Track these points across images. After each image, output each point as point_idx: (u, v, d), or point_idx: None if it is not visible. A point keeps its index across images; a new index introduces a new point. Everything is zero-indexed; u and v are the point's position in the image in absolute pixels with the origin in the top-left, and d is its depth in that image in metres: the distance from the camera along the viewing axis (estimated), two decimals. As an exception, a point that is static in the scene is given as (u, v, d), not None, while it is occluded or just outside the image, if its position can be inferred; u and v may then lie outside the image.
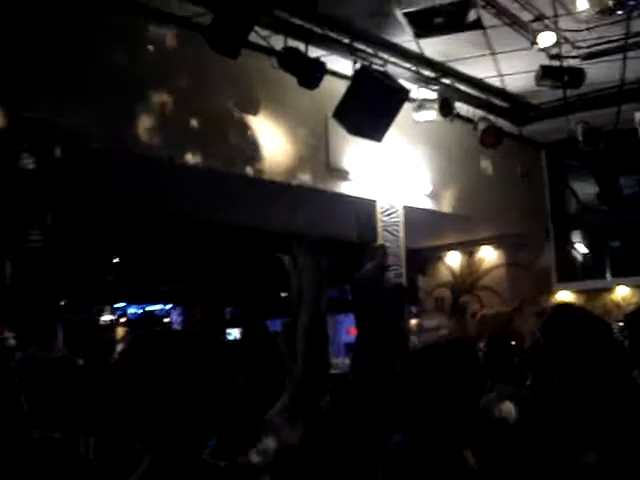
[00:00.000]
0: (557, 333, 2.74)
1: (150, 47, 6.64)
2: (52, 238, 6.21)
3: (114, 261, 13.43)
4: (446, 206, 9.82)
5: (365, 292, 7.45)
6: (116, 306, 15.46)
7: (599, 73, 8.21)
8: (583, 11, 6.45)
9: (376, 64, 7.54)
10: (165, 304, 16.95)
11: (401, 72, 8.01)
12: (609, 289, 11.33)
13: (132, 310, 16.71)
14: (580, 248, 12.39)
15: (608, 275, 11.55)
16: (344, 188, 8.39)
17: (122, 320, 15.90)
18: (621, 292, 11.23)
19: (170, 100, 6.76)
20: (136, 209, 9.43)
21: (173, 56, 6.82)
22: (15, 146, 5.69)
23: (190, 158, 6.97)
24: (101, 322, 14.41)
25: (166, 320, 16.91)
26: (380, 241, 8.66)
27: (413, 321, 11.28)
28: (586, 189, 11.51)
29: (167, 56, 6.78)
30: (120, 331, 14.67)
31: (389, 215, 8.85)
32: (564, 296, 11.45)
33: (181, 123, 6.87)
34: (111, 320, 15.02)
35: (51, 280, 6.25)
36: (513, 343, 4.87)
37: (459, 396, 2.39)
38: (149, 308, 17.02)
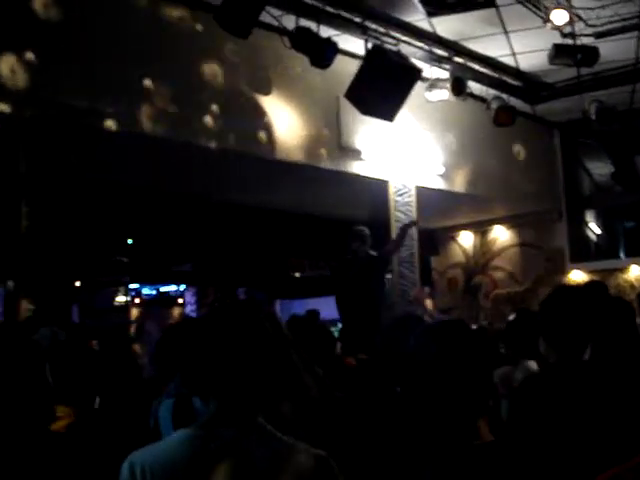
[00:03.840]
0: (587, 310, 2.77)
1: (162, 28, 6.64)
2: (65, 219, 6.26)
3: (128, 242, 13.49)
4: (459, 186, 9.79)
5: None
6: (131, 287, 15.56)
7: (613, 51, 8.15)
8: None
9: (388, 43, 7.51)
10: (179, 285, 17.03)
11: (413, 51, 7.96)
12: (623, 269, 11.29)
13: (146, 291, 16.79)
14: (594, 228, 12.36)
15: (622, 255, 11.52)
16: (356, 168, 8.38)
17: (136, 301, 16.00)
18: (635, 272, 11.20)
19: (183, 81, 6.76)
20: (150, 191, 9.48)
21: (185, 37, 6.83)
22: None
23: (203, 139, 6.98)
24: (115, 303, 14.51)
25: (180, 301, 17.01)
26: (393, 221, 8.67)
27: (427, 301, 11.29)
28: (601, 169, 11.46)
29: (179, 37, 6.78)
30: (134, 312, 14.78)
31: (402, 195, 8.84)
32: (577, 276, 11.43)
33: (194, 104, 6.88)
34: (125, 301, 15.13)
35: (65, 261, 6.30)
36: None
37: (471, 370, 2.42)
38: (163, 289, 17.11)
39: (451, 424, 2.39)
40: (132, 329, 9.59)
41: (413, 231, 8.72)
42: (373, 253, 7.37)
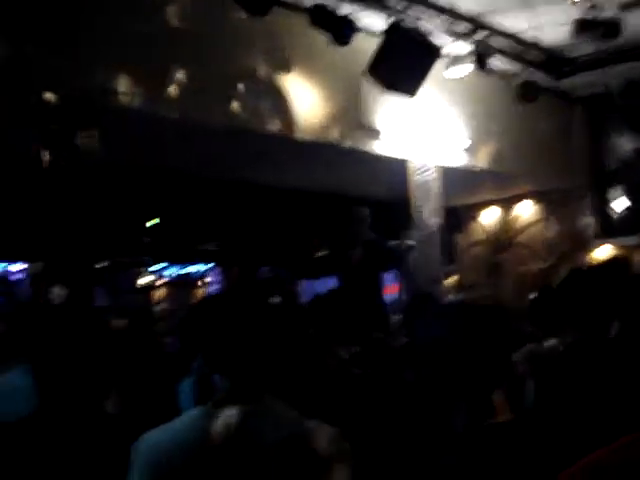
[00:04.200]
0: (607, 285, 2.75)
1: (178, 8, 6.63)
2: (90, 201, 6.30)
3: (152, 223, 13.55)
4: (482, 162, 9.71)
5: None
6: (154, 268, 15.64)
7: (638, 23, 8.01)
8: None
9: (408, 19, 7.44)
10: (204, 264, 17.10)
11: (434, 27, 7.89)
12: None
13: (169, 272, 16.88)
14: (619, 204, 12.21)
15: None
16: (377, 147, 8.34)
17: (160, 282, 16.08)
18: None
19: (202, 61, 6.75)
20: (172, 172, 9.50)
21: (203, 16, 6.81)
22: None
23: (223, 119, 6.98)
24: (138, 285, 14.60)
25: (205, 280, 17.08)
26: (413, 199, 8.61)
27: (451, 279, 11.26)
28: (625, 144, 11.32)
29: (197, 16, 6.77)
30: (158, 292, 14.86)
31: (423, 174, 8.79)
32: (603, 252, 11.33)
33: (213, 84, 6.87)
34: (149, 282, 15.21)
35: (87, 242, 6.34)
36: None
37: (480, 350, 2.43)
38: (186, 269, 17.18)
39: (462, 403, 2.39)
40: (157, 309, 9.66)
41: (435, 209, 8.68)
42: (374, 237, 7.25)
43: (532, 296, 5.01)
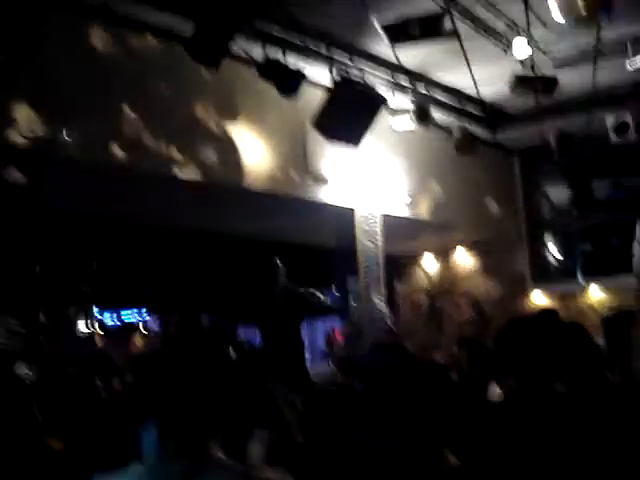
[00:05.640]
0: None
1: (131, 58, 6.67)
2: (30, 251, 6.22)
3: (92, 270, 13.39)
4: (424, 213, 9.93)
5: None
6: (93, 314, 15.41)
7: (572, 81, 8.38)
8: (557, 20, 6.56)
9: (354, 73, 7.62)
10: (140, 309, 16.94)
11: (378, 80, 8.10)
12: (582, 291, 11.52)
13: (109, 320, 16.68)
14: (553, 251, 12.56)
15: (580, 277, 11.71)
16: (323, 196, 8.46)
17: (100, 331, 15.84)
18: (594, 293, 11.43)
19: (150, 111, 6.78)
20: (113, 220, 9.44)
21: (154, 66, 6.86)
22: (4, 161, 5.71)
23: (169, 168, 7.00)
24: (79, 333, 14.35)
25: (144, 326, 16.87)
26: (359, 249, 8.70)
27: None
28: (560, 194, 11.70)
29: (148, 66, 6.81)
30: (99, 341, 14.61)
31: (368, 223, 8.92)
32: (538, 298, 11.63)
33: (161, 134, 6.89)
34: (89, 331, 14.96)
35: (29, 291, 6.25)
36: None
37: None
38: (124, 313, 17.01)
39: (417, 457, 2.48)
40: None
41: (379, 257, 8.81)
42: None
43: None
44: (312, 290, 7.46)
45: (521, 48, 7.32)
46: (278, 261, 7.17)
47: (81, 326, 14.46)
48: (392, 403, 2.94)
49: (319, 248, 8.54)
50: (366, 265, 8.78)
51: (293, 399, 3.65)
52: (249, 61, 7.04)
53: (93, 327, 15.10)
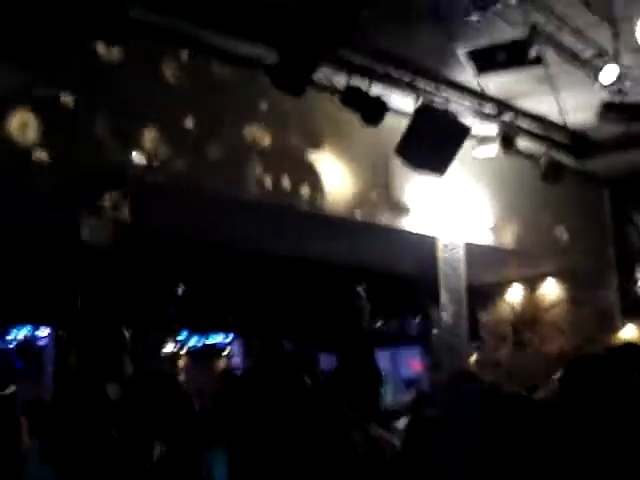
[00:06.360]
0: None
1: (216, 86, 6.84)
2: (117, 272, 6.40)
3: (177, 293, 13.66)
4: (508, 242, 9.78)
5: None
6: (179, 338, 15.71)
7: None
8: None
9: (437, 101, 7.62)
10: (226, 335, 17.14)
11: (462, 108, 8.08)
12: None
13: (193, 342, 16.94)
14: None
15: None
16: (405, 224, 8.45)
17: (183, 352, 16.13)
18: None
19: (237, 137, 6.94)
20: (200, 245, 9.63)
21: (240, 94, 7.02)
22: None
23: (253, 193, 7.13)
24: (162, 353, 14.65)
25: (226, 352, 17.09)
26: (440, 277, 8.65)
27: (473, 356, 11.19)
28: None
29: (230, 93, 6.98)
30: (181, 362, 14.89)
31: (450, 251, 8.85)
32: (629, 332, 11.26)
33: (246, 160, 7.04)
34: (173, 351, 15.26)
35: (115, 311, 6.42)
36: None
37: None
38: (210, 340, 17.22)
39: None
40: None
41: (461, 285, 8.71)
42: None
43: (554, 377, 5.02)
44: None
45: (609, 75, 7.18)
46: (360, 289, 7.21)
47: (167, 347, 14.77)
48: (467, 432, 2.90)
49: (401, 276, 8.49)
50: (448, 294, 8.71)
51: (365, 427, 3.64)
52: (333, 89, 7.13)
53: (179, 349, 15.41)
